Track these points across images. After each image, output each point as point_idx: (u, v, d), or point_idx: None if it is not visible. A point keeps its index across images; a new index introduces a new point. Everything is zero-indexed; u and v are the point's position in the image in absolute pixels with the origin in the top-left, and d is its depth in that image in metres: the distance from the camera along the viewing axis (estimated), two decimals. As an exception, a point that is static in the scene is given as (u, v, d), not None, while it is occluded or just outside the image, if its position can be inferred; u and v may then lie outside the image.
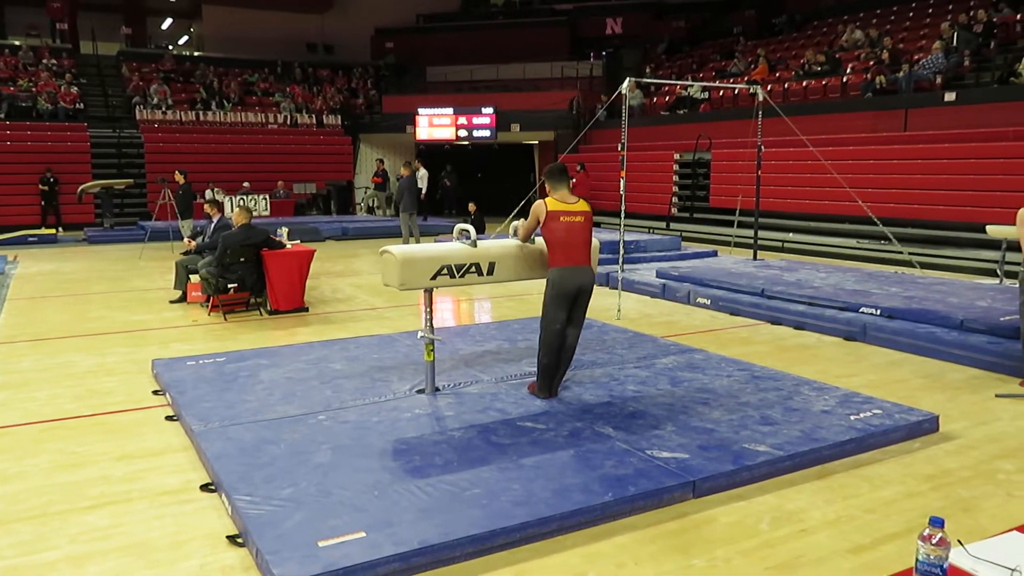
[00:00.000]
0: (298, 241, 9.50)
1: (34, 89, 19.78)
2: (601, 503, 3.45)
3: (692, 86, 17.81)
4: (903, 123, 13.86)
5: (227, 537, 3.33)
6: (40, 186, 17.33)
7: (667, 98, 19.93)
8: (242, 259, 8.11)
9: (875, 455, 4.22)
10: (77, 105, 20.07)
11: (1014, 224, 5.44)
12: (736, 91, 16.70)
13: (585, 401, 4.90)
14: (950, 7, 16.28)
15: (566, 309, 4.84)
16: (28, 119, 19.05)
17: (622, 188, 8.43)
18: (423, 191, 17.06)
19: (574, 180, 14.84)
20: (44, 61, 21.02)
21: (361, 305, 9.06)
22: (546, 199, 4.82)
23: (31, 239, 15.50)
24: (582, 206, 4.85)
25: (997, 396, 5.32)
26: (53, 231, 16.34)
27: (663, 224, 17.10)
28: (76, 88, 20.44)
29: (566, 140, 18.60)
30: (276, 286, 8.32)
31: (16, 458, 4.28)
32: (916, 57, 14.58)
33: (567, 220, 4.76)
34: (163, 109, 20.94)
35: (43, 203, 17.39)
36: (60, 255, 13.97)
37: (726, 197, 15.05)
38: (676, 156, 17.80)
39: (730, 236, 13.03)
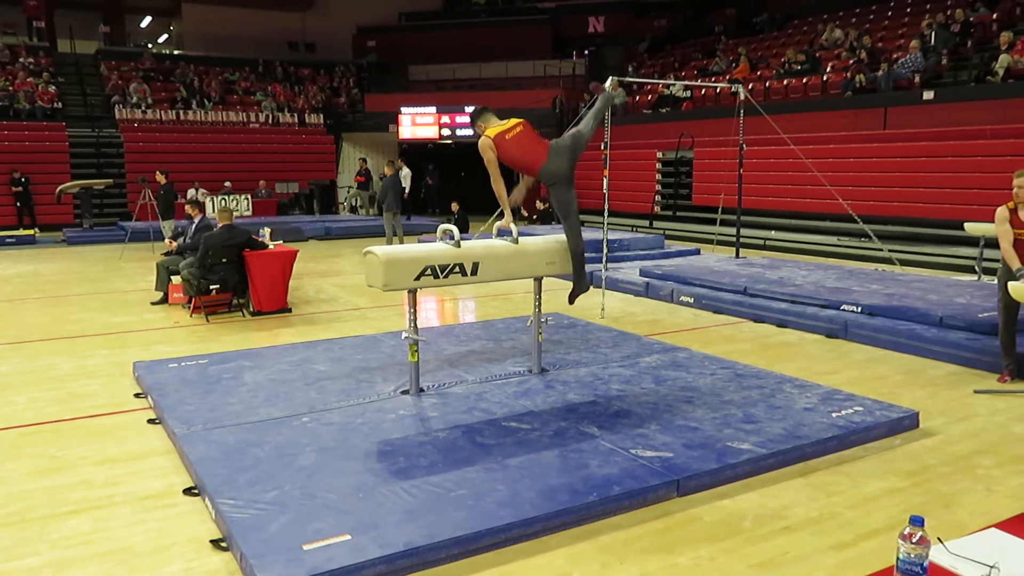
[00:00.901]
0: (281, 241, 9.46)
1: (11, 88, 19.54)
2: (586, 503, 3.46)
3: (674, 85, 17.87)
4: (883, 121, 13.99)
5: (211, 541, 3.31)
6: (12, 187, 17.13)
7: (649, 97, 19.99)
8: (224, 260, 8.05)
9: (857, 452, 4.26)
10: (55, 104, 19.85)
11: (992, 221, 5.51)
12: (718, 90, 16.78)
13: (570, 400, 4.91)
14: (928, 6, 16.44)
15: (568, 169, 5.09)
16: (5, 119, 18.82)
17: (605, 187, 8.46)
18: (406, 190, 17.03)
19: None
20: (21, 59, 20.77)
21: (345, 305, 9.03)
22: (484, 133, 5.06)
23: (9, 240, 15.31)
24: (514, 119, 5.13)
25: (976, 392, 5.39)
26: (31, 232, 16.15)
27: (646, 223, 17.17)
28: (54, 87, 20.22)
29: (549, 139, 18.60)
30: (259, 287, 8.27)
31: (-5, 463, 4.23)
32: (895, 56, 14.72)
33: (512, 136, 5.01)
34: (143, 108, 20.74)
35: (17, 204, 17.20)
36: (39, 256, 13.81)
37: (709, 195, 15.12)
38: (659, 154, 17.87)
39: (713, 234, 13.10)
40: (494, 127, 5.06)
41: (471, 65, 24.45)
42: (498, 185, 5.08)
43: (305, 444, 4.16)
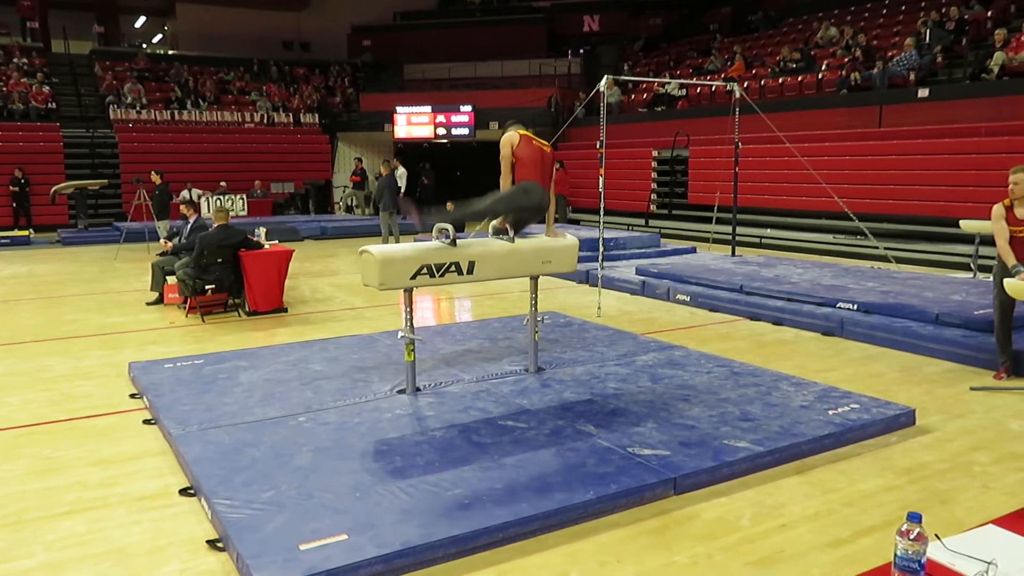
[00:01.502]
0: (276, 241, 9.43)
1: (5, 89, 19.47)
2: (583, 502, 3.45)
3: (670, 83, 17.87)
4: (878, 119, 14.00)
5: (207, 542, 3.30)
6: (11, 187, 17.10)
7: (645, 95, 20.00)
8: (220, 260, 8.03)
9: (853, 449, 4.27)
10: (49, 105, 19.79)
11: (987, 218, 5.52)
12: (713, 88, 16.79)
13: (566, 399, 4.90)
14: (923, 4, 16.46)
15: (526, 209, 5.04)
16: (-1, 119, 18.79)
17: (601, 185, 8.46)
18: (402, 190, 17.01)
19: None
20: (15, 60, 20.69)
21: (340, 305, 9.01)
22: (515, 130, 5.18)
23: (4, 241, 15.26)
24: (546, 143, 5.23)
25: (972, 389, 5.40)
26: (27, 233, 16.11)
27: (642, 221, 17.18)
28: (48, 87, 20.16)
29: (544, 138, 18.61)
30: (254, 287, 8.25)
31: (-10, 465, 4.21)
32: (890, 54, 14.73)
33: (538, 144, 5.14)
34: (137, 108, 20.69)
35: (14, 204, 17.17)
36: (33, 257, 13.76)
37: (704, 194, 15.12)
38: (654, 153, 17.87)
39: (709, 232, 13.10)
40: (524, 131, 5.20)
41: (466, 64, 24.43)
42: (506, 182, 5.07)
43: (301, 444, 4.15)
